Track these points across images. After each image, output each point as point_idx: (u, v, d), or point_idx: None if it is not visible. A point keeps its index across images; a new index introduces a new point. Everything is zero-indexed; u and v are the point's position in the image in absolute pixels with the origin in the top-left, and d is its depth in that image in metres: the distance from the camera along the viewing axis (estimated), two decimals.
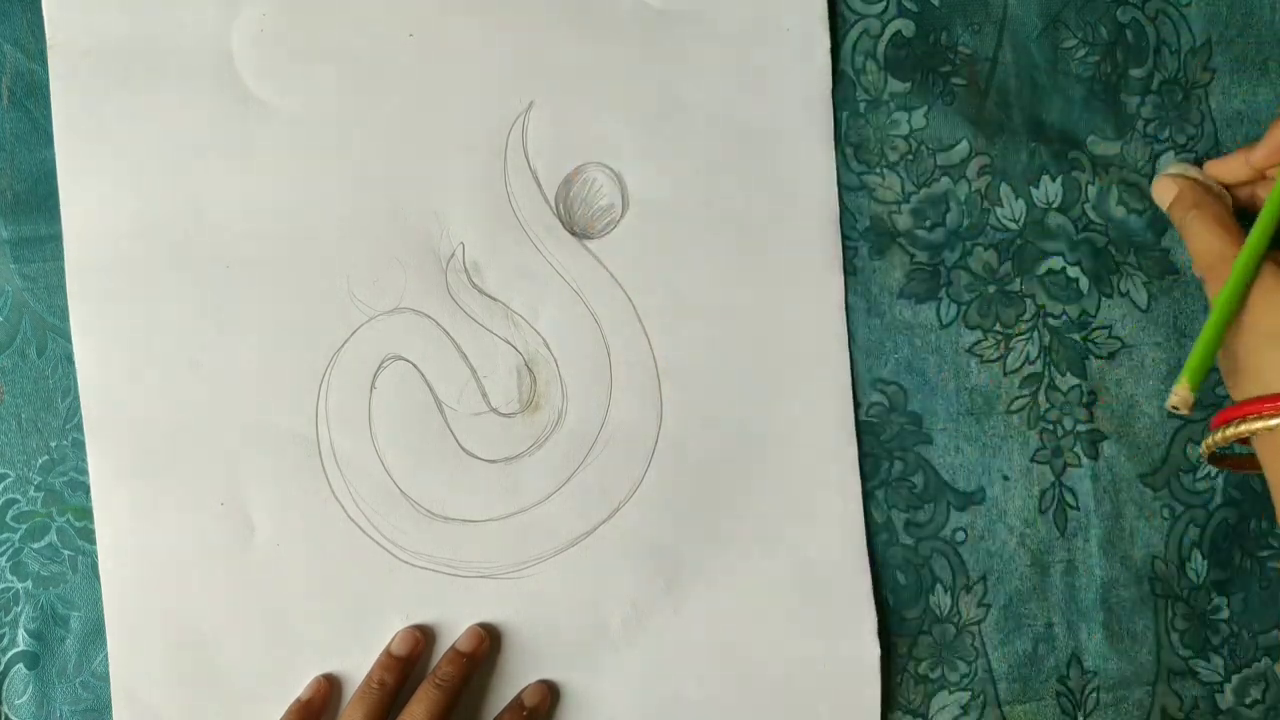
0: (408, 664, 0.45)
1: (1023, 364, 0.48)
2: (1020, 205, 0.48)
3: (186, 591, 0.45)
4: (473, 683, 0.46)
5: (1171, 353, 0.48)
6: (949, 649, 0.48)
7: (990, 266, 0.48)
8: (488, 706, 0.47)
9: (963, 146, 0.48)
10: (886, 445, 0.48)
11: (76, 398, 0.45)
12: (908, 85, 0.48)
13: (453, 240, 0.46)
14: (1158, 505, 0.49)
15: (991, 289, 0.48)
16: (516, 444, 0.47)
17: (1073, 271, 0.48)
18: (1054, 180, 0.48)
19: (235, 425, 0.46)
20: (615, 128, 0.47)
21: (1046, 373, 0.48)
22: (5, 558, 0.46)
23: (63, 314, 0.45)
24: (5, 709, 0.46)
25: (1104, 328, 0.48)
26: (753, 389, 0.47)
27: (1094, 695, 0.48)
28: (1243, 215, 0.44)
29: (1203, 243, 0.43)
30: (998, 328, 0.48)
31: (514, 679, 0.47)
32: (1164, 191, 0.45)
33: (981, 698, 0.48)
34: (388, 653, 0.45)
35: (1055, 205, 0.48)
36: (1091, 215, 0.48)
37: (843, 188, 0.48)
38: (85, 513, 0.46)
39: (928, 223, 0.48)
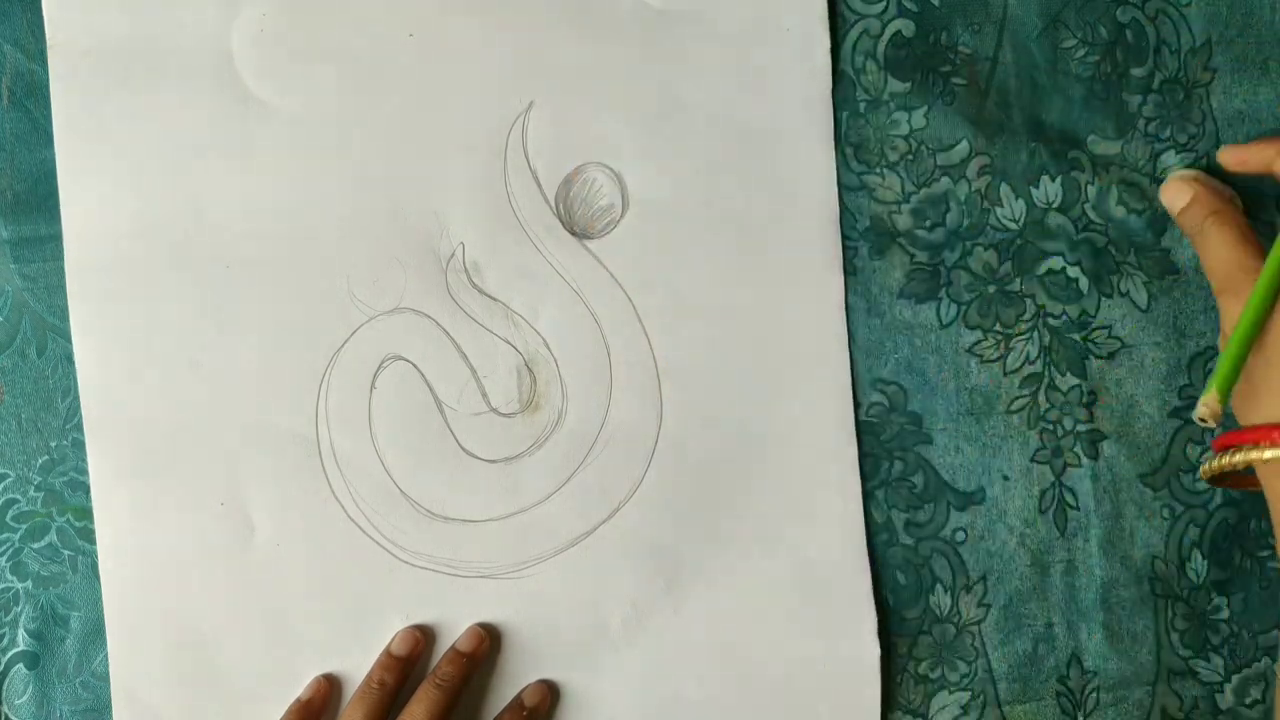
0: (408, 664, 0.45)
1: (1023, 364, 0.48)
2: (1020, 205, 0.48)
3: (186, 591, 0.46)
4: (473, 683, 0.46)
5: (1171, 353, 0.48)
6: (949, 649, 0.48)
7: (990, 266, 0.48)
8: (488, 706, 0.47)
9: (963, 146, 0.48)
10: (886, 445, 0.48)
11: (76, 398, 0.45)
12: (908, 85, 0.48)
13: (453, 240, 0.46)
14: (1158, 505, 0.49)
15: (991, 289, 0.48)
16: (516, 444, 0.47)
17: (1073, 271, 0.48)
18: (1054, 180, 0.48)
19: (235, 425, 0.46)
20: (615, 128, 0.47)
21: (1046, 373, 0.48)
22: (5, 558, 0.46)
23: (63, 314, 0.45)
24: (5, 709, 0.46)
25: (1104, 328, 0.48)
26: (753, 389, 0.47)
27: (1094, 695, 0.48)
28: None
29: (1222, 253, 0.42)
30: (998, 328, 0.48)
31: (514, 679, 0.47)
32: (1176, 195, 0.45)
33: (981, 698, 0.48)
34: (388, 653, 0.45)
35: (1055, 205, 0.48)
36: (1091, 215, 0.48)
37: (843, 188, 0.48)
38: (85, 513, 0.46)
39: (928, 223, 0.48)
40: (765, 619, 0.47)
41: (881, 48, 0.48)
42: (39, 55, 0.45)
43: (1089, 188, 0.48)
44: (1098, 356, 0.48)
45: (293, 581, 0.46)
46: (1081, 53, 0.48)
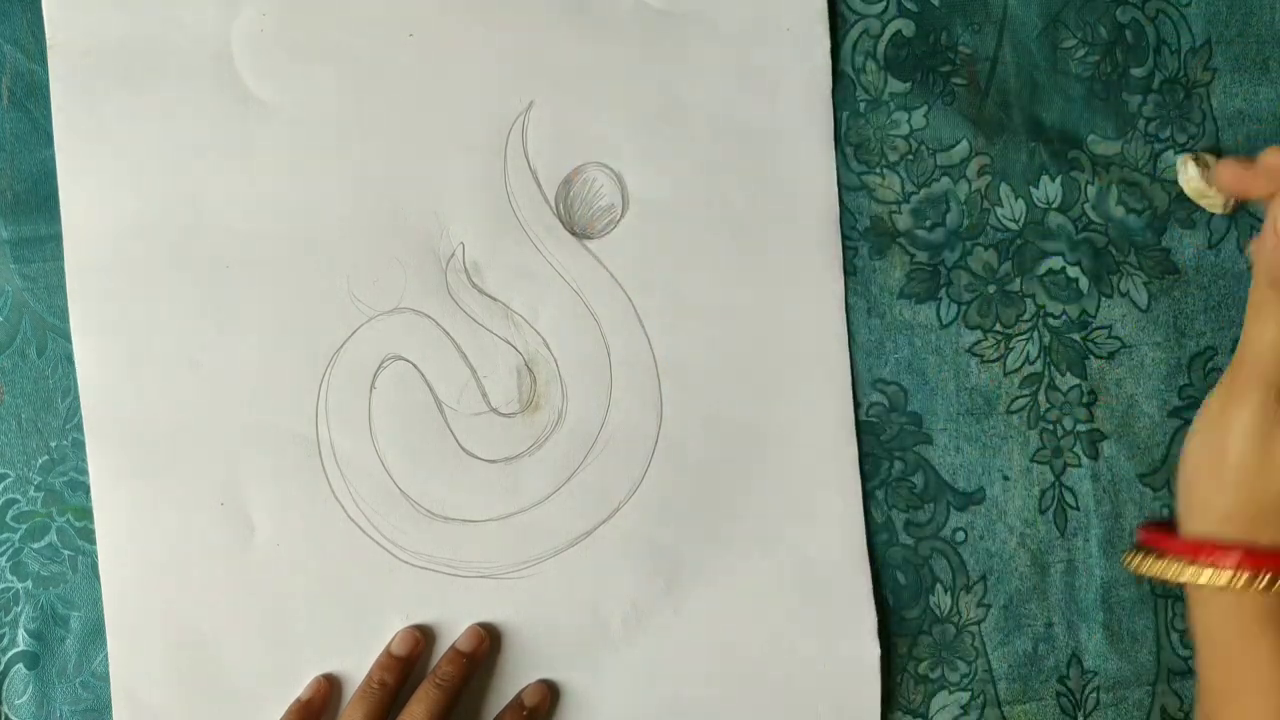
0: (408, 664, 0.45)
1: (1023, 364, 0.48)
2: (1020, 205, 0.48)
3: (186, 591, 0.45)
4: (473, 683, 0.46)
5: (1171, 353, 0.48)
6: (949, 649, 0.48)
7: (990, 266, 0.48)
8: (488, 706, 0.47)
9: (963, 146, 0.48)
10: (886, 445, 0.48)
11: (76, 398, 0.45)
12: (908, 85, 0.48)
13: (453, 240, 0.46)
14: (1158, 505, 0.49)
15: (991, 289, 0.48)
16: (516, 444, 0.47)
17: (1073, 271, 0.48)
18: (1054, 180, 0.48)
19: (235, 425, 0.46)
20: (615, 128, 0.47)
21: (1046, 373, 0.48)
22: (5, 558, 0.46)
23: (63, 314, 0.45)
24: (5, 709, 0.46)
25: (1104, 328, 0.48)
26: (753, 389, 0.47)
27: (1094, 695, 0.48)
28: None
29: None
30: (998, 328, 0.48)
31: (514, 679, 0.47)
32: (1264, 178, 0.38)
33: (981, 698, 0.48)
34: (388, 653, 0.45)
35: (1055, 205, 0.48)
36: (1091, 215, 0.48)
37: (843, 188, 0.48)
38: (85, 513, 0.46)
39: (928, 223, 0.48)
40: (765, 619, 0.47)
41: (881, 48, 0.48)
42: (39, 55, 0.45)
43: (1089, 188, 0.48)
44: (1098, 356, 0.48)
45: (293, 581, 0.46)
46: (1081, 53, 0.48)
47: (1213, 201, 0.47)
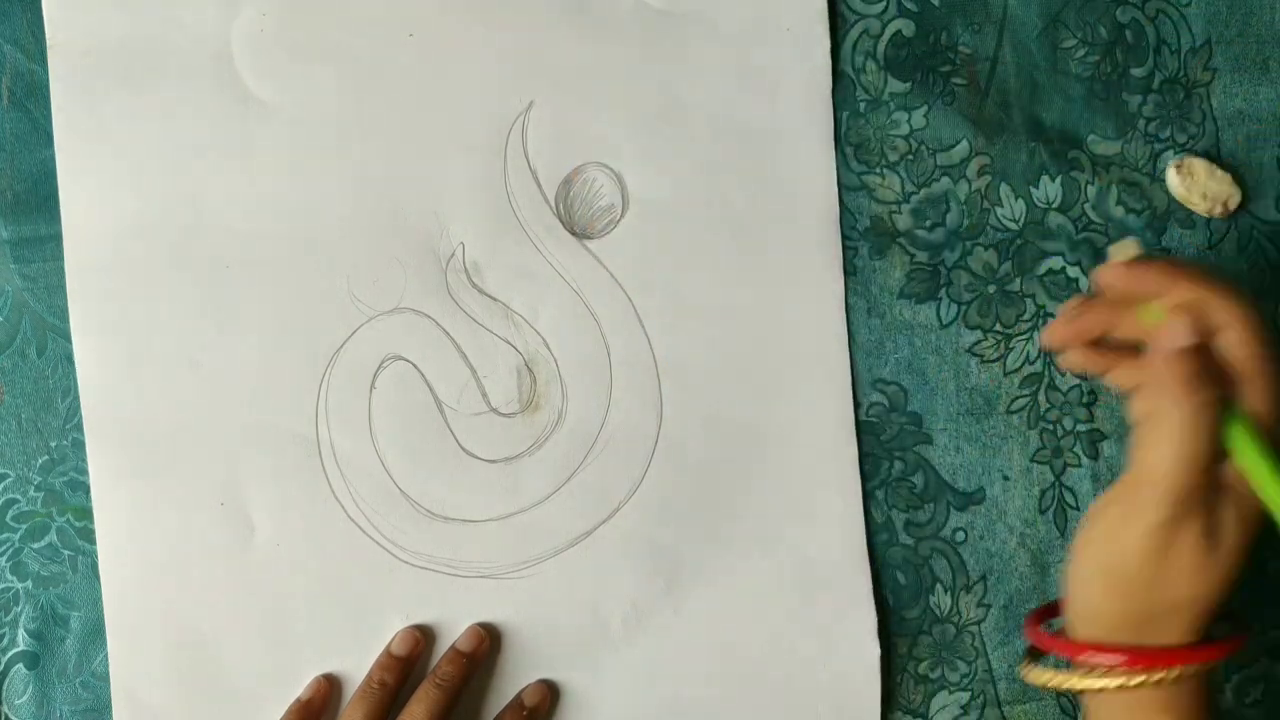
0: (408, 664, 0.45)
1: (1023, 364, 0.48)
2: (1020, 205, 0.48)
3: (186, 591, 0.45)
4: (473, 683, 0.46)
5: None
6: (949, 649, 0.48)
7: (990, 266, 0.48)
8: (488, 706, 0.47)
9: (963, 146, 0.48)
10: (886, 445, 0.48)
11: (76, 398, 0.45)
12: (908, 85, 0.48)
13: (453, 240, 0.46)
14: None
15: (991, 289, 0.48)
16: (516, 444, 0.47)
17: (1073, 271, 0.48)
18: (1054, 180, 0.48)
19: (235, 425, 0.46)
20: (615, 128, 0.47)
21: (1046, 373, 0.48)
22: (5, 558, 0.46)
23: (63, 314, 0.45)
24: (5, 709, 0.46)
25: None
26: (753, 389, 0.47)
27: None
28: None
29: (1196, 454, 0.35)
30: (998, 328, 0.48)
31: (514, 679, 0.47)
32: (1173, 335, 0.36)
33: (981, 698, 0.48)
34: (388, 653, 0.45)
35: (1055, 205, 0.48)
36: (1091, 215, 0.48)
37: (843, 188, 0.48)
38: (85, 513, 0.46)
39: (928, 223, 0.48)
40: (765, 619, 0.47)
41: (881, 48, 0.48)
42: (39, 55, 0.45)
43: (1089, 188, 0.48)
44: None
45: (293, 581, 0.46)
46: (1081, 53, 0.48)
47: (1197, 206, 0.47)
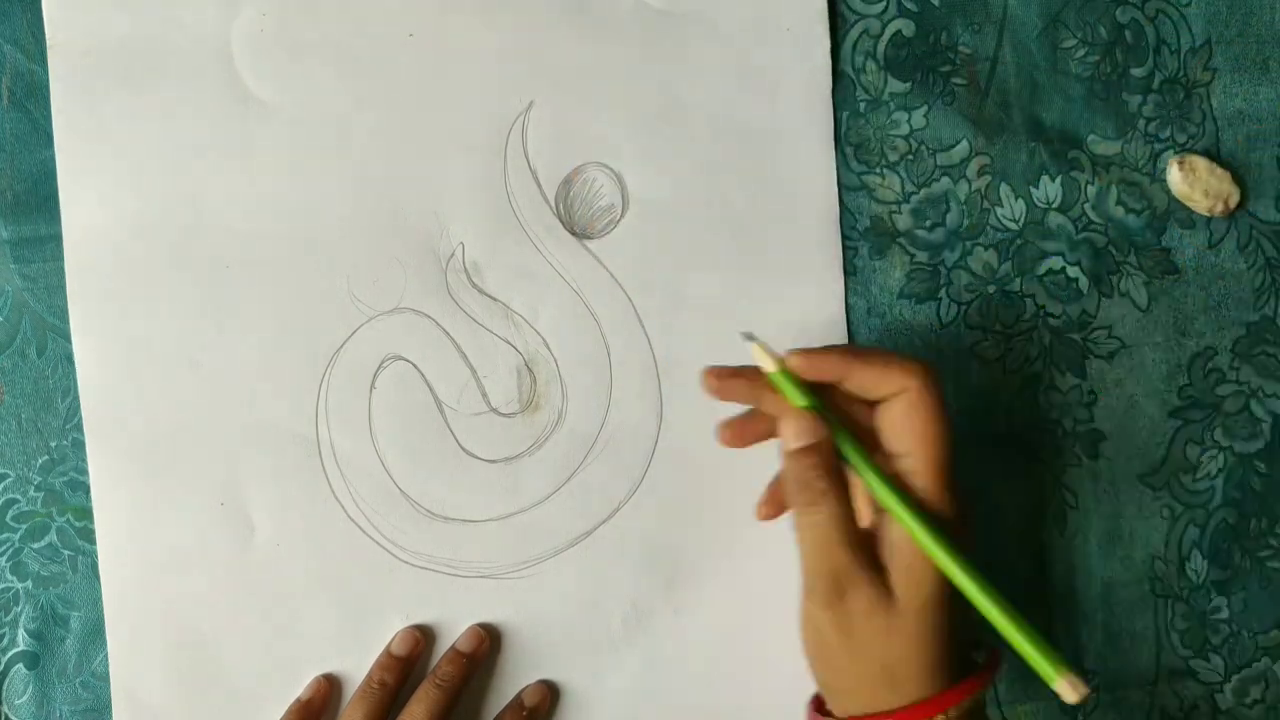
0: (408, 664, 0.45)
1: (1023, 364, 0.48)
2: (1020, 205, 0.48)
3: (186, 591, 0.45)
4: (473, 683, 0.46)
5: (1171, 353, 0.48)
6: None
7: (990, 266, 0.48)
8: (488, 706, 0.47)
9: (963, 146, 0.48)
10: None
11: (76, 398, 0.45)
12: (908, 85, 0.48)
13: (453, 240, 0.46)
14: (1158, 505, 0.49)
15: (991, 289, 0.48)
16: (516, 444, 0.47)
17: (1073, 271, 0.48)
18: (1054, 180, 0.48)
19: (235, 425, 0.46)
20: (615, 128, 0.47)
21: (1046, 373, 0.48)
22: (5, 558, 0.46)
23: (63, 314, 0.45)
24: (5, 709, 0.46)
25: (1104, 328, 0.48)
26: None
27: (1094, 695, 0.48)
28: None
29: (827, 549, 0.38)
30: (998, 328, 0.48)
31: (514, 679, 0.47)
32: (795, 432, 0.38)
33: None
34: (388, 653, 0.45)
35: (1055, 205, 0.48)
36: (1091, 215, 0.48)
37: (843, 188, 0.48)
38: (85, 513, 0.46)
39: (928, 223, 0.48)
40: (765, 619, 0.47)
41: (881, 48, 0.48)
42: (39, 55, 0.45)
43: (1089, 188, 0.48)
44: (1098, 356, 0.48)
45: (293, 582, 0.46)
46: (1081, 53, 0.48)
47: (1198, 204, 0.48)
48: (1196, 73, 0.48)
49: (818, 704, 0.42)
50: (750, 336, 0.39)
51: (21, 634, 0.46)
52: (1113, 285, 0.48)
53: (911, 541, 0.37)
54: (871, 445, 0.39)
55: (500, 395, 0.47)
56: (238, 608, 0.46)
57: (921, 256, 0.48)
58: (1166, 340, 0.48)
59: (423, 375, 0.46)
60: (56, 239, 0.45)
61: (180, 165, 0.46)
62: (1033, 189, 0.48)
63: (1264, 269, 0.49)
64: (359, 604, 0.46)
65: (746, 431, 0.41)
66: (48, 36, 0.45)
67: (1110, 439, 0.48)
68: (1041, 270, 0.48)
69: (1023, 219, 0.48)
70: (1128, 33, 0.48)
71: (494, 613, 0.47)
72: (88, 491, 0.46)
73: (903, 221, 0.48)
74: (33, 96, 0.46)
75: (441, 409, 0.46)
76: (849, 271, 0.48)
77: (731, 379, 0.40)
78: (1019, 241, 0.48)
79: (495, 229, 0.46)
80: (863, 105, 0.48)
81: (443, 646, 0.46)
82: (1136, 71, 0.48)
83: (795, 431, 0.38)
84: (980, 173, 0.48)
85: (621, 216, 0.47)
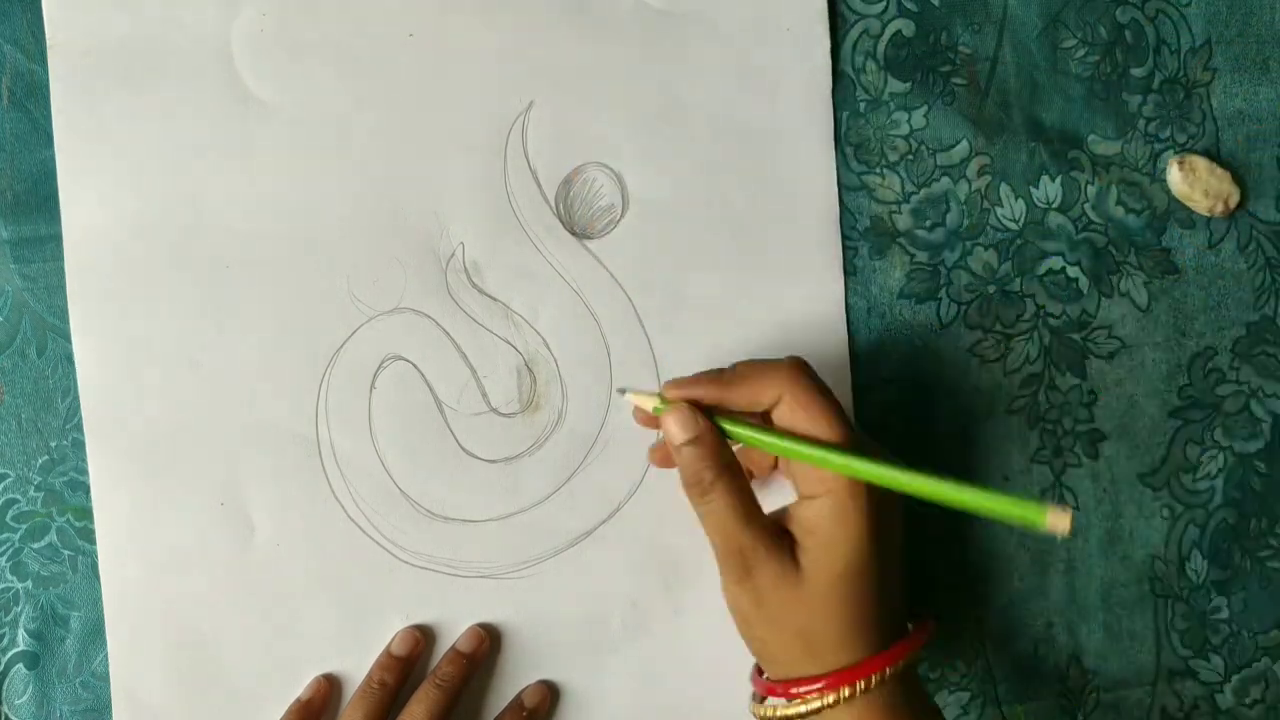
0: (408, 664, 0.45)
1: (1023, 364, 0.48)
2: (1020, 205, 0.48)
3: (186, 591, 0.45)
4: (473, 683, 0.46)
5: (1171, 353, 0.48)
6: (949, 649, 0.48)
7: (990, 266, 0.48)
8: (488, 706, 0.47)
9: (963, 146, 0.48)
10: (886, 446, 0.48)
11: (76, 398, 0.45)
12: (908, 85, 0.48)
13: (453, 240, 0.46)
14: (1158, 505, 0.49)
15: (991, 289, 0.48)
16: (516, 444, 0.47)
17: (1073, 271, 0.48)
18: (1054, 180, 0.48)
19: (235, 425, 0.46)
20: (615, 128, 0.47)
21: (1046, 373, 0.48)
22: (5, 558, 0.46)
23: (63, 314, 0.45)
24: (5, 709, 0.46)
25: (1104, 328, 0.48)
26: None
27: (1094, 695, 0.48)
28: None
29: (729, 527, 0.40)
30: (998, 328, 0.48)
31: (514, 679, 0.47)
32: (678, 428, 0.40)
33: (981, 698, 0.48)
34: (388, 653, 0.45)
35: (1055, 205, 0.48)
36: (1091, 215, 0.48)
37: (843, 188, 0.48)
38: (85, 513, 0.46)
39: (928, 223, 0.48)
40: None
41: (881, 48, 0.48)
42: (39, 55, 0.45)
43: (1089, 188, 0.48)
44: (1098, 356, 0.48)
45: (293, 582, 0.46)
46: (1081, 53, 0.48)
47: (1198, 204, 0.48)
48: (1196, 73, 0.48)
49: (759, 669, 0.43)
50: (621, 391, 0.43)
51: (21, 634, 0.46)
52: (1113, 285, 0.48)
53: (823, 517, 0.39)
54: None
55: (500, 395, 0.47)
56: (238, 608, 0.46)
57: (921, 256, 0.48)
58: (1166, 340, 0.48)
59: (423, 375, 0.46)
60: (56, 239, 0.45)
61: (180, 165, 0.46)
62: (1033, 189, 0.48)
63: (1264, 269, 0.49)
64: (359, 604, 0.46)
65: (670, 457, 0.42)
66: (48, 36, 0.45)
67: (1110, 439, 0.48)
68: (1041, 270, 0.48)
69: (1023, 219, 0.48)
70: (1128, 33, 0.48)
71: (494, 613, 0.47)
72: (88, 491, 0.46)
73: (903, 221, 0.48)
74: (33, 96, 0.46)
75: (441, 409, 0.46)
76: (849, 271, 0.48)
77: (662, 449, 0.44)
78: (1019, 241, 0.48)
79: (495, 229, 0.46)
80: (863, 105, 0.48)
81: (443, 646, 0.46)
82: (1136, 71, 0.48)
83: (677, 427, 0.40)
84: (980, 173, 0.48)
85: (621, 216, 0.47)
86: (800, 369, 0.40)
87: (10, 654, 0.46)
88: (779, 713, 0.40)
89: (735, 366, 0.41)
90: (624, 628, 0.47)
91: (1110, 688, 0.48)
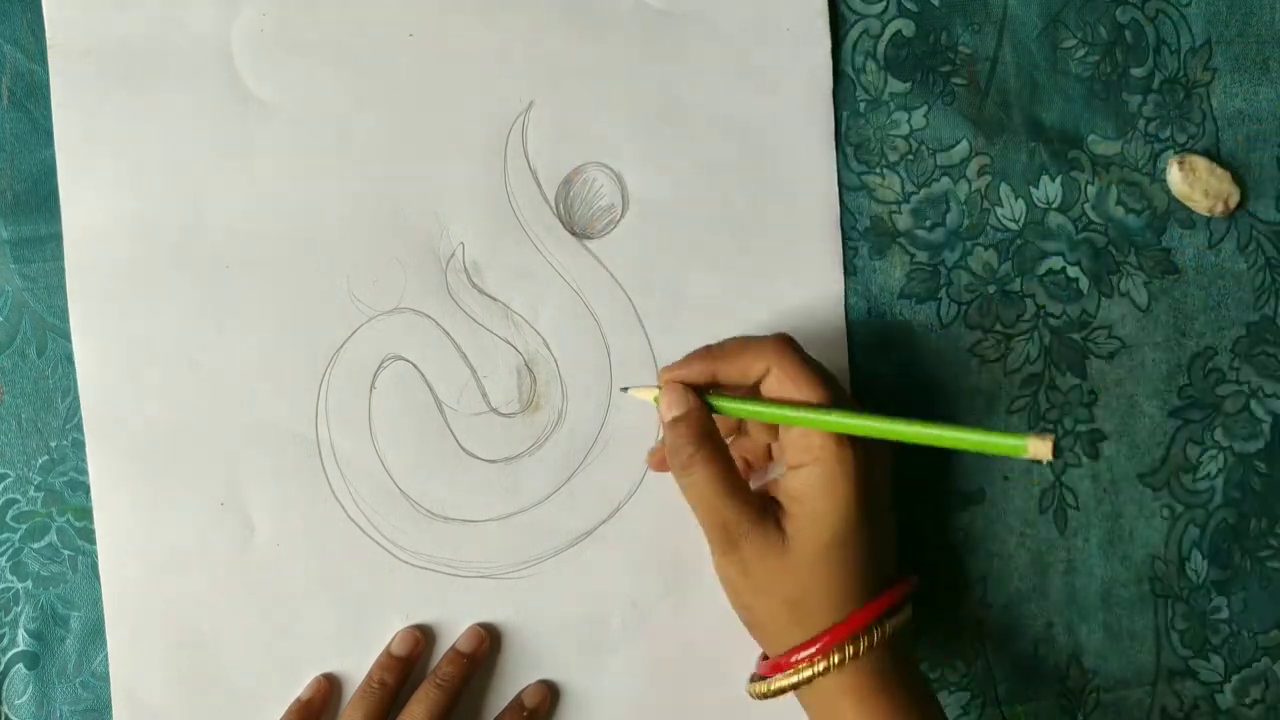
0: (408, 664, 0.45)
1: (1023, 364, 0.48)
2: (1020, 205, 0.48)
3: (186, 591, 0.45)
4: (473, 683, 0.46)
5: (1171, 353, 0.48)
6: (949, 649, 0.48)
7: (990, 266, 0.48)
8: (488, 706, 0.47)
9: (963, 146, 0.48)
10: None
11: (76, 398, 0.45)
12: (908, 85, 0.48)
13: (453, 240, 0.46)
14: (1158, 505, 0.49)
15: (991, 289, 0.48)
16: (516, 444, 0.47)
17: (1073, 271, 0.48)
18: (1054, 180, 0.48)
19: (235, 425, 0.46)
20: (615, 128, 0.47)
21: (1046, 373, 0.48)
22: (5, 558, 0.46)
23: (63, 314, 0.45)
24: (5, 709, 0.46)
25: (1104, 328, 0.48)
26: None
27: (1094, 695, 0.48)
28: None
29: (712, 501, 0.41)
30: (998, 328, 0.48)
31: (514, 679, 0.47)
32: (670, 405, 0.41)
33: (981, 698, 0.48)
34: (388, 653, 0.45)
35: (1055, 205, 0.48)
36: (1091, 215, 0.48)
37: (843, 188, 0.48)
38: (85, 513, 0.46)
39: (928, 223, 0.48)
40: None
41: (881, 48, 0.48)
42: (39, 55, 0.45)
43: (1089, 188, 0.48)
44: (1098, 356, 0.48)
45: (293, 582, 0.46)
46: (1081, 53, 0.48)
47: (1198, 204, 0.48)
48: (1196, 73, 0.48)
49: (764, 656, 0.43)
50: (624, 389, 0.45)
51: (21, 634, 0.46)
52: (1113, 285, 0.48)
53: (810, 485, 0.39)
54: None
55: (500, 395, 0.47)
56: (238, 608, 0.46)
57: (921, 256, 0.48)
58: (1166, 340, 0.48)
59: (423, 375, 0.46)
60: (56, 239, 0.45)
61: (180, 165, 0.46)
62: (1033, 189, 0.48)
63: (1264, 269, 0.49)
64: (359, 604, 0.46)
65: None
66: (48, 36, 0.45)
67: (1110, 439, 0.48)
68: (1041, 270, 0.48)
69: (1023, 219, 0.48)
70: (1128, 33, 0.48)
71: (494, 613, 0.47)
72: (88, 491, 0.46)
73: (903, 221, 0.48)
74: (33, 96, 0.46)
75: (441, 409, 0.46)
76: (849, 271, 0.48)
77: (658, 452, 0.44)
78: (1019, 241, 0.48)
79: (495, 229, 0.46)
80: (863, 105, 0.48)
81: (443, 646, 0.46)
82: (1136, 71, 0.48)
83: (667, 404, 0.41)
84: (980, 173, 0.48)
85: (621, 216, 0.47)
86: (786, 342, 0.41)
87: (10, 654, 0.46)
88: (773, 686, 0.41)
89: (724, 342, 0.42)
90: (624, 628, 0.47)
91: (1110, 688, 0.48)
